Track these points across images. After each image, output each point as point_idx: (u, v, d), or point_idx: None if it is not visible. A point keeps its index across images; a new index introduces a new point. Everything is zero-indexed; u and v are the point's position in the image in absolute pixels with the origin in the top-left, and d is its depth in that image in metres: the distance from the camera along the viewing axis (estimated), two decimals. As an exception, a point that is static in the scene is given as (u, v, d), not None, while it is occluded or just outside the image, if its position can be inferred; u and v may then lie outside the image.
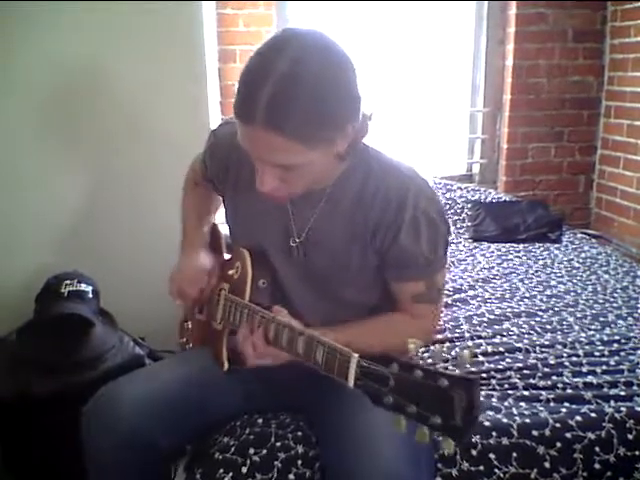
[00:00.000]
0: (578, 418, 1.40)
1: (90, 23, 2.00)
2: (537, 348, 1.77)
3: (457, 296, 2.19)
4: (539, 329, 1.90)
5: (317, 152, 1.06)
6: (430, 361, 1.56)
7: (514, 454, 1.33)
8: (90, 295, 1.92)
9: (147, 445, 1.24)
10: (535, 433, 1.36)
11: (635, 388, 1.54)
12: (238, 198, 1.35)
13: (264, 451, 1.29)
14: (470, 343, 1.80)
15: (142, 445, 1.24)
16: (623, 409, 1.43)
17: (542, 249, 2.73)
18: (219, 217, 1.57)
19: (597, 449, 1.35)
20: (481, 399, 0.83)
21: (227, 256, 1.46)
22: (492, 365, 1.67)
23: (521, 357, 1.72)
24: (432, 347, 1.64)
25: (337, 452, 1.16)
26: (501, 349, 1.76)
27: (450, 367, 1.58)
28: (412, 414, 0.82)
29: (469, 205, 3.04)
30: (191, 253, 1.43)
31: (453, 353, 1.70)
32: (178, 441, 1.34)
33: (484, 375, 1.63)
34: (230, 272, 1.33)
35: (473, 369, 1.64)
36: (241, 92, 1.03)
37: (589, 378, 1.60)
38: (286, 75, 0.99)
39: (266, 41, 1.05)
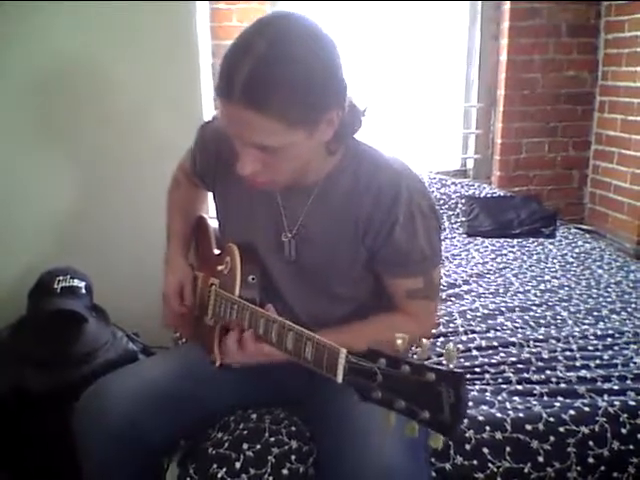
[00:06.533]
0: (572, 412, 1.41)
1: (83, 20, 1.99)
2: (531, 342, 1.77)
3: (451, 291, 2.19)
4: (533, 324, 1.91)
5: (297, 134, 1.05)
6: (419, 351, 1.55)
7: (508, 448, 1.33)
8: (83, 291, 1.91)
9: (138, 440, 1.24)
10: (529, 427, 1.37)
11: (629, 382, 1.55)
12: (228, 193, 1.33)
13: (258, 446, 1.29)
14: (464, 338, 1.80)
15: (133, 440, 1.23)
16: (617, 403, 1.44)
17: (536, 244, 2.74)
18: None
19: (591, 443, 1.36)
20: (468, 394, 0.82)
21: (217, 251, 1.46)
22: (486, 359, 1.68)
23: (515, 351, 1.72)
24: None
25: (335, 446, 1.14)
26: (495, 343, 1.76)
27: (443, 361, 1.58)
28: (401, 409, 0.82)
29: (463, 200, 3.05)
30: (172, 267, 1.45)
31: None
32: (170, 436, 1.33)
33: (478, 370, 1.63)
34: (220, 268, 1.33)
35: (467, 363, 1.65)
36: (221, 70, 1.04)
37: (583, 372, 1.60)
38: (263, 54, 0.99)
39: (252, 23, 1.06)
